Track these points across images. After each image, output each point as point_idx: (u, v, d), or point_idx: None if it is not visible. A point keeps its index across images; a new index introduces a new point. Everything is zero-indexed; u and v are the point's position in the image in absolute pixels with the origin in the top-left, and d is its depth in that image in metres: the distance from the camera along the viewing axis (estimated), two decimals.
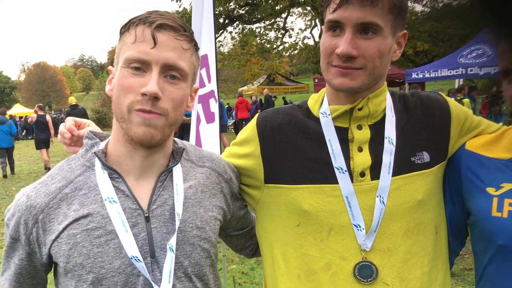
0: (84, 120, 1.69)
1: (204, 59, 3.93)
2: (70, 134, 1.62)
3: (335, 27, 1.41)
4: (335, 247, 1.45)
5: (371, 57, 1.39)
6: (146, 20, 1.29)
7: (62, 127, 1.62)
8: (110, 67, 1.42)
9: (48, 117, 15.90)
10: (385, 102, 1.52)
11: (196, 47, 1.41)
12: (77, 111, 14.75)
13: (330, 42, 1.43)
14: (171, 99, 1.31)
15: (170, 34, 1.30)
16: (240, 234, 1.79)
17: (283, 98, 35.46)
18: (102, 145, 1.43)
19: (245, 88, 34.03)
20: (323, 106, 1.55)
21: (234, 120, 25.01)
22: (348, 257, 1.44)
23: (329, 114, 1.52)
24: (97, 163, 1.37)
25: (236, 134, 19.86)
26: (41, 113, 15.92)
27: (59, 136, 1.64)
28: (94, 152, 1.37)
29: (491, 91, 14.34)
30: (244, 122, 20.05)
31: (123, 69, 1.29)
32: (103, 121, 38.64)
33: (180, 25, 1.32)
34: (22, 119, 34.67)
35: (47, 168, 15.30)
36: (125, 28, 1.34)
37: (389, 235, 1.44)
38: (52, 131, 15.90)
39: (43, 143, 15.49)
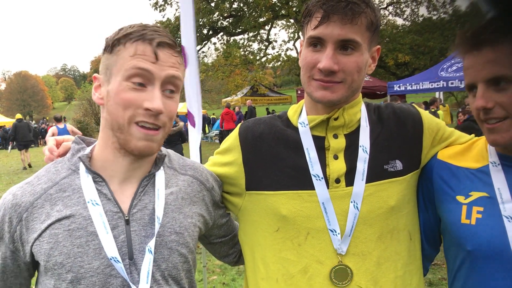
0: (67, 137, 1.67)
1: None
2: (53, 155, 1.57)
3: (316, 43, 1.48)
4: (312, 251, 1.50)
5: (350, 71, 1.47)
6: (144, 36, 1.34)
7: (45, 150, 1.60)
8: (96, 75, 1.44)
9: None
10: (360, 113, 1.59)
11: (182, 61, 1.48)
12: (22, 124, 19.58)
13: (311, 57, 1.50)
14: (169, 112, 1.39)
15: (168, 52, 1.37)
16: (223, 242, 1.83)
17: (266, 109, 35.53)
18: (87, 150, 1.48)
19: (229, 98, 34.04)
20: (301, 116, 1.62)
21: (219, 130, 24.90)
22: (325, 261, 1.49)
23: (307, 124, 1.58)
24: (82, 167, 1.42)
25: None
26: None
27: (45, 158, 1.61)
28: (79, 157, 1.43)
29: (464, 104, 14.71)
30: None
31: (124, 82, 1.34)
32: (85, 131, 38.10)
33: (174, 42, 1.40)
34: (1, 129, 34.28)
35: None
36: (118, 42, 1.36)
37: (363, 239, 1.50)
38: None
39: None
